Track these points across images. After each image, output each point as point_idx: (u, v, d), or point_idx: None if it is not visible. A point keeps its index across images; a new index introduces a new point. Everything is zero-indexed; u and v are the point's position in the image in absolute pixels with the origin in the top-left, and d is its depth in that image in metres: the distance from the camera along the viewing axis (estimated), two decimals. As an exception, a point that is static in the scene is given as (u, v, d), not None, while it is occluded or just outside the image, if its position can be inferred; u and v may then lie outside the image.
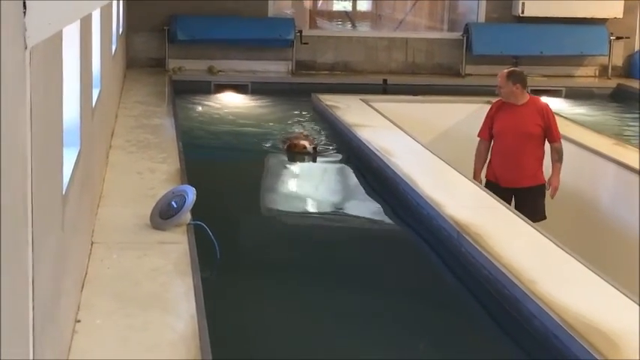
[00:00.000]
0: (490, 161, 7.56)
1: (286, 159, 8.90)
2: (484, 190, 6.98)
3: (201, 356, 3.68)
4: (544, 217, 7.20)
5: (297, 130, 10.05)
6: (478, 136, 7.71)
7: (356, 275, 5.91)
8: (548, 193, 7.38)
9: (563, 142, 7.53)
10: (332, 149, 9.35)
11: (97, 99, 5.94)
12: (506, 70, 7.53)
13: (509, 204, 6.90)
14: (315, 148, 8.84)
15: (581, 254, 5.39)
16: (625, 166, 7.89)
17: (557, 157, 7.41)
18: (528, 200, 7.27)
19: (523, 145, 7.30)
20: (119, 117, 9.08)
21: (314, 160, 8.72)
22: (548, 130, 7.34)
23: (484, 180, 7.53)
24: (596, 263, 5.30)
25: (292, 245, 6.60)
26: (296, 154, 8.83)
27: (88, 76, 5.16)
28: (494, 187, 7.25)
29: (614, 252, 7.43)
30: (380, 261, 6.21)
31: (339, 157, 9.05)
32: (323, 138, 9.83)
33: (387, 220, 7.26)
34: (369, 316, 5.19)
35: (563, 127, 8.23)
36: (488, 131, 7.58)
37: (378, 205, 7.58)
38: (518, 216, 6.27)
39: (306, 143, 8.84)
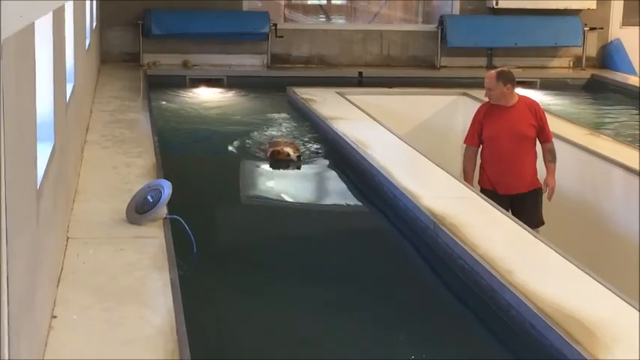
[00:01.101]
0: (483, 168, 7.14)
1: (264, 151, 8.75)
2: (459, 181, 6.98)
3: (179, 350, 3.67)
4: (543, 223, 6.98)
5: (278, 135, 9.68)
6: (465, 142, 7.29)
7: (333, 267, 5.91)
8: (545, 195, 7.11)
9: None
10: (310, 142, 9.33)
11: (71, 94, 5.91)
12: (494, 72, 7.12)
13: (507, 211, 6.57)
14: (299, 157, 8.43)
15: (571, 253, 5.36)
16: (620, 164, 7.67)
17: (551, 157, 7.12)
18: (527, 206, 7.00)
19: (519, 148, 6.99)
20: (94, 112, 9.04)
21: (298, 168, 8.32)
22: (541, 129, 7.05)
23: (477, 187, 7.09)
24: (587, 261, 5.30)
25: (269, 239, 6.58)
26: (279, 161, 8.41)
27: (62, 70, 5.12)
28: (491, 194, 6.81)
29: (608, 249, 7.40)
30: (357, 253, 6.21)
31: (316, 150, 9.02)
32: (299, 130, 9.83)
33: (364, 212, 7.27)
34: (345, 308, 5.19)
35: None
36: (477, 137, 7.15)
37: (355, 198, 7.58)
38: (494, 206, 6.29)
39: (289, 151, 8.42)
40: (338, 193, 7.77)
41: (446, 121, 10.86)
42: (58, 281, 4.34)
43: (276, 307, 5.16)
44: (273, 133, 9.87)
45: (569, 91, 13.58)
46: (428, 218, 5.88)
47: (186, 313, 4.08)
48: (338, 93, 10.91)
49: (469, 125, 7.34)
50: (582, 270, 4.98)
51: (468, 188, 6.76)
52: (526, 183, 7.05)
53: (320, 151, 8.93)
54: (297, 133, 9.72)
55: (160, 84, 12.26)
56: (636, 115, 11.41)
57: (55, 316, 3.93)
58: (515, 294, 4.57)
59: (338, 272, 5.82)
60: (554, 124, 8.69)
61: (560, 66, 14.88)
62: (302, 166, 8.29)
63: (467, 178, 7.15)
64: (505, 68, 7.36)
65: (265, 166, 8.45)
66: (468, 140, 7.28)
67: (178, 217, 5.37)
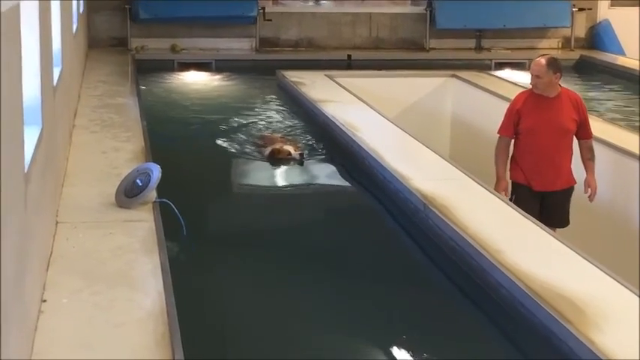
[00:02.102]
0: (516, 162, 6.67)
1: (259, 150, 8.36)
2: (449, 163, 6.97)
3: (169, 333, 3.66)
4: (569, 222, 6.64)
5: (267, 126, 9.41)
6: (499, 133, 6.75)
7: (324, 250, 5.92)
8: (586, 196, 6.70)
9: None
10: (299, 126, 9.31)
11: (59, 78, 5.87)
12: (543, 58, 6.56)
13: (538, 208, 6.42)
14: (301, 155, 7.84)
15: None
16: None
17: (590, 155, 6.68)
18: (559, 204, 6.62)
19: (559, 142, 6.55)
20: (82, 97, 9.00)
21: (300, 164, 7.80)
22: (582, 125, 6.62)
23: (509, 182, 6.72)
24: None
25: (259, 221, 6.58)
26: (280, 160, 7.85)
27: (49, 54, 5.09)
28: (524, 190, 6.54)
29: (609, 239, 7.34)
30: (348, 235, 6.21)
31: (305, 134, 9.01)
32: (288, 114, 9.82)
33: (354, 194, 7.26)
34: (337, 290, 5.20)
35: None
36: (513, 128, 6.63)
37: (345, 180, 7.57)
38: (484, 187, 6.29)
39: (290, 149, 7.90)
40: (327, 175, 7.76)
41: (435, 103, 10.85)
42: (48, 265, 4.33)
43: (266, 290, 5.16)
44: (263, 116, 9.86)
45: (558, 72, 13.56)
46: (418, 200, 5.88)
47: (177, 296, 4.08)
48: (327, 76, 10.89)
49: (504, 114, 6.79)
50: (572, 249, 4.99)
51: (458, 169, 6.74)
52: (563, 180, 6.63)
53: (309, 134, 8.92)
54: (286, 117, 9.70)
55: (148, 68, 12.24)
56: (627, 95, 11.42)
57: (44, 300, 3.92)
58: (505, 274, 4.58)
59: (329, 255, 5.82)
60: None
61: (549, 47, 14.86)
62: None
63: (499, 171, 6.71)
64: (553, 55, 6.88)
65: (254, 148, 8.42)
66: (502, 131, 6.74)
67: (167, 201, 5.36)
